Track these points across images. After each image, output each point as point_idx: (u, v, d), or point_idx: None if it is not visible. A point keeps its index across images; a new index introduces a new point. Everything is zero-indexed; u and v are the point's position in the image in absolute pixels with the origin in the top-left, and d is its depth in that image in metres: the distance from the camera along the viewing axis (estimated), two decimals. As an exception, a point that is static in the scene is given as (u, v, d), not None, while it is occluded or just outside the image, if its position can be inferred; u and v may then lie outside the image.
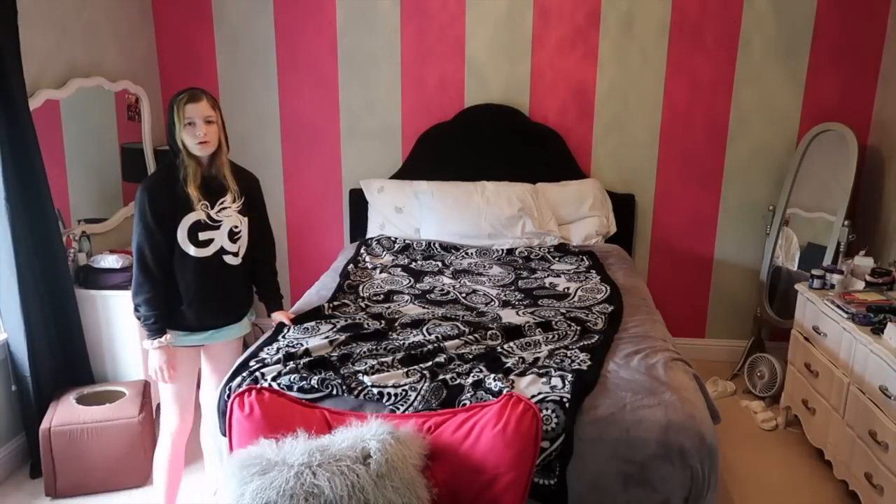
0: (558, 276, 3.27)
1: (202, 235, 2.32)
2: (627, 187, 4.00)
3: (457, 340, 2.46)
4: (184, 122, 2.22)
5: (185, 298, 2.34)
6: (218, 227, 2.34)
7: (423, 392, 2.13)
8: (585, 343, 2.47)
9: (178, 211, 2.28)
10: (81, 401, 2.92)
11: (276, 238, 4.21)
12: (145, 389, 3.04)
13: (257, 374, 2.22)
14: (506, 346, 2.45)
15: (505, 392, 2.02)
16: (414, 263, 3.47)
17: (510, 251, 3.60)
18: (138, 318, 2.34)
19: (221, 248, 2.36)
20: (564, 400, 2.04)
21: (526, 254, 3.56)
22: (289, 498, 1.63)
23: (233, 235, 2.39)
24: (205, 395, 2.60)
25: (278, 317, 2.67)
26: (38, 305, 2.90)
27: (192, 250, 2.31)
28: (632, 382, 2.20)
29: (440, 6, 3.87)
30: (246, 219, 2.44)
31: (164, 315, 2.32)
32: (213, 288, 2.38)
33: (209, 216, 2.32)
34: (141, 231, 2.26)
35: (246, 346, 2.54)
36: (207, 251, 2.34)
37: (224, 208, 2.36)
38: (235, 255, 2.42)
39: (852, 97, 3.72)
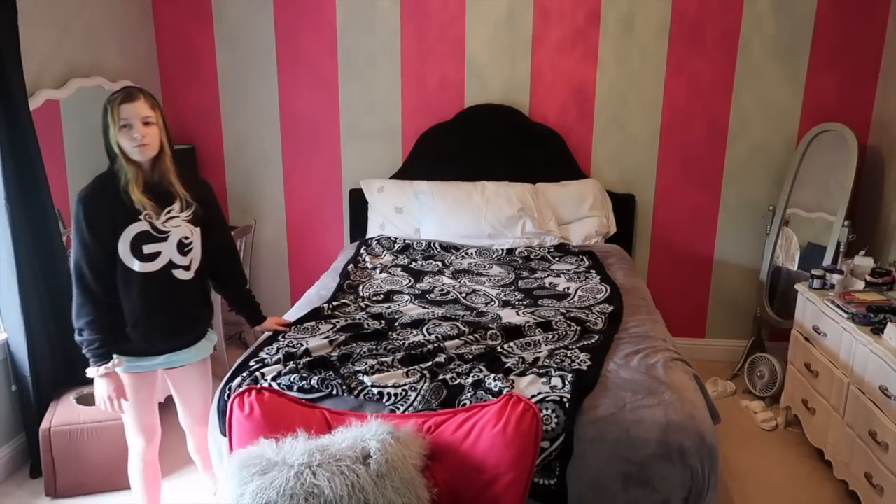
0: (558, 276, 3.27)
1: (147, 248, 2.10)
2: (627, 187, 4.00)
3: (457, 340, 2.46)
4: (119, 125, 2.02)
5: (130, 319, 2.13)
6: (165, 239, 2.12)
7: (423, 392, 2.13)
8: (585, 343, 2.48)
9: (118, 222, 2.07)
10: (81, 401, 2.92)
11: (276, 238, 4.31)
12: (145, 389, 3.03)
13: (257, 374, 2.22)
14: (506, 346, 2.45)
15: (505, 392, 2.02)
16: (414, 263, 3.47)
17: (510, 251, 3.60)
18: (81, 344, 2.11)
19: (170, 261, 2.15)
20: (564, 400, 2.04)
21: (526, 254, 3.56)
22: (289, 498, 1.63)
23: (183, 247, 2.17)
24: (183, 419, 2.43)
25: (268, 325, 2.56)
26: (38, 305, 2.90)
27: (136, 265, 2.09)
28: (632, 382, 2.20)
29: (440, 6, 3.87)
30: (198, 229, 2.22)
31: (109, 339, 2.11)
32: (162, 307, 2.16)
33: (155, 226, 2.10)
34: (77, 246, 2.05)
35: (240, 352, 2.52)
36: (154, 265, 2.12)
37: (172, 217, 2.14)
38: (187, 268, 2.20)
39: (852, 97, 3.72)
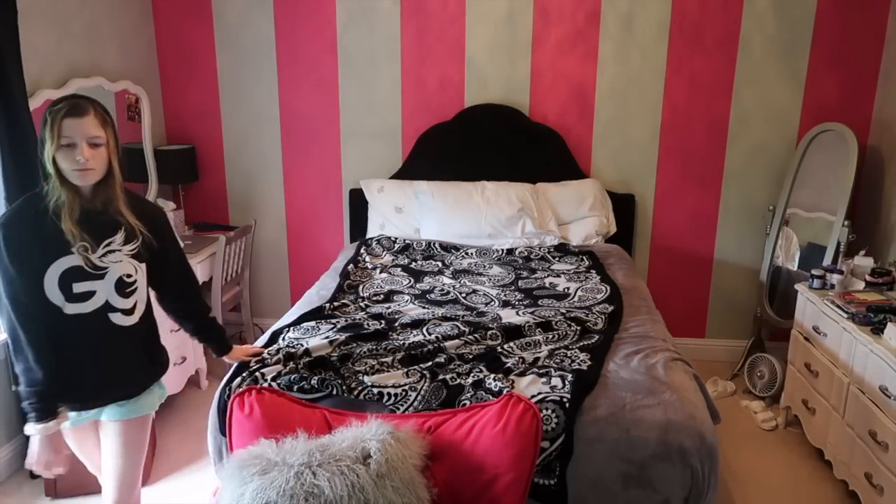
0: (558, 276, 3.26)
1: (78, 287, 1.78)
2: (627, 187, 4.00)
3: (457, 340, 2.46)
4: (59, 142, 1.71)
5: (52, 366, 1.79)
6: (102, 276, 1.80)
7: (423, 392, 2.13)
8: (585, 343, 2.48)
9: (46, 253, 1.75)
10: (81, 401, 2.92)
11: (276, 238, 4.31)
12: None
13: (257, 374, 2.22)
14: (506, 346, 2.45)
15: (505, 392, 2.02)
16: (414, 263, 3.47)
17: (510, 251, 3.60)
18: (19, 393, 1.80)
19: (107, 303, 1.82)
20: (564, 400, 2.04)
21: (526, 254, 3.56)
22: (289, 498, 1.63)
23: (124, 287, 1.84)
24: (104, 482, 2.01)
25: (236, 356, 2.27)
26: (38, 305, 2.89)
27: (66, 306, 1.78)
28: (632, 382, 2.20)
29: (440, 6, 3.87)
30: (143, 265, 1.90)
31: (53, 392, 1.78)
32: (91, 356, 1.84)
33: (89, 261, 1.78)
34: (4, 281, 1.76)
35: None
36: (85, 307, 1.80)
37: (111, 251, 1.81)
38: (128, 312, 1.87)
39: (852, 97, 3.72)
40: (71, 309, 1.79)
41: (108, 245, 1.81)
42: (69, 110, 1.73)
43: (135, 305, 1.89)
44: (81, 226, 1.76)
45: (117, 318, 1.85)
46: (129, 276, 1.85)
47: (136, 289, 1.88)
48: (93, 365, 1.85)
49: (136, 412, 1.95)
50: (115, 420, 1.93)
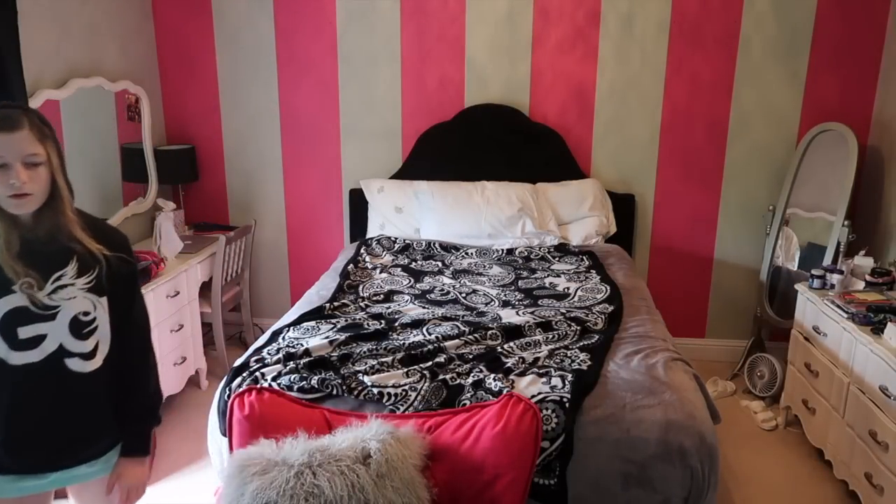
0: (558, 276, 3.27)
1: (25, 331, 1.50)
2: (627, 187, 4.00)
3: (457, 340, 2.46)
4: None
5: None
6: (52, 317, 1.52)
7: (423, 392, 2.13)
8: (585, 343, 2.48)
9: None
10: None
11: (276, 238, 4.31)
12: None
13: (257, 374, 2.22)
14: (506, 346, 2.45)
15: (505, 392, 2.02)
16: (414, 263, 3.47)
17: (510, 251, 3.60)
18: None
19: (61, 347, 1.54)
20: (564, 400, 2.04)
21: (526, 254, 3.56)
22: (289, 498, 1.63)
23: (80, 327, 1.55)
24: None
25: (123, 478, 1.71)
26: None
27: (11, 355, 1.51)
28: (632, 382, 2.20)
29: (440, 6, 3.87)
30: (104, 300, 1.59)
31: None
32: (48, 412, 1.56)
33: (36, 300, 1.50)
34: None
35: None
36: (34, 355, 1.52)
37: (63, 286, 1.53)
38: (88, 356, 1.58)
39: (852, 97, 3.72)
40: (17, 358, 1.50)
41: (57, 279, 1.52)
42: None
43: (96, 347, 1.57)
44: (24, 259, 1.48)
45: (75, 364, 1.54)
46: (85, 313, 1.55)
47: (95, 328, 1.57)
48: (49, 423, 1.56)
49: (109, 469, 1.69)
50: (91, 479, 1.67)
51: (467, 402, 2.08)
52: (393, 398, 2.12)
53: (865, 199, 3.68)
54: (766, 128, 3.84)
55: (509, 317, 2.70)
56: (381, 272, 3.32)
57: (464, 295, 3.01)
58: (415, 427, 1.89)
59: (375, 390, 2.14)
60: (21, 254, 1.49)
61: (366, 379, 2.19)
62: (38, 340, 1.52)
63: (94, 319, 1.58)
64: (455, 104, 3.98)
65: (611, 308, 2.80)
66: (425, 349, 2.38)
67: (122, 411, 1.67)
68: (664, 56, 3.82)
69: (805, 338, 3.13)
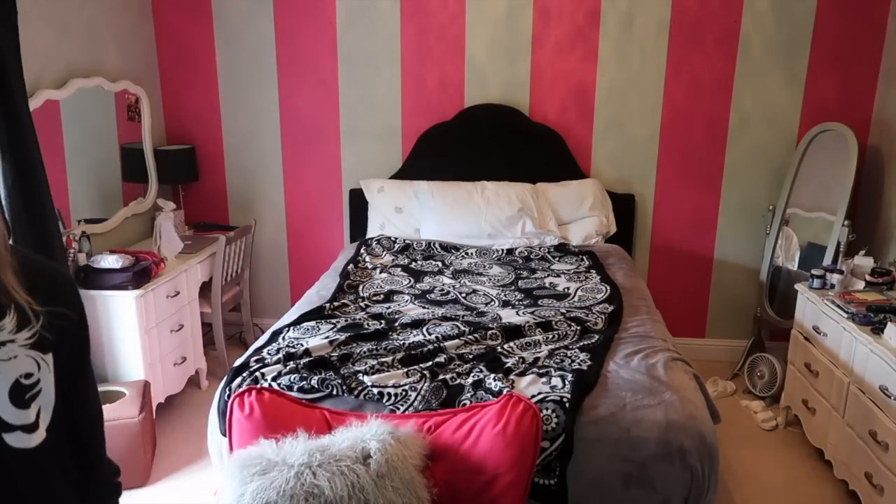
0: (558, 276, 3.27)
1: None
2: (627, 187, 4.00)
3: (457, 340, 2.46)
4: None
5: None
6: None
7: (423, 392, 2.13)
8: (585, 343, 2.48)
9: None
10: (81, 401, 2.91)
11: (276, 238, 4.31)
12: (145, 390, 3.04)
13: (257, 374, 2.22)
14: (506, 346, 2.45)
15: (505, 392, 2.02)
16: (414, 263, 3.47)
17: (510, 251, 3.60)
18: None
19: None
20: (564, 400, 2.04)
21: (526, 254, 3.56)
22: (289, 498, 1.63)
23: (22, 392, 1.23)
24: None
25: None
26: (37, 305, 2.88)
27: None
28: (632, 382, 2.20)
29: (440, 6, 3.87)
30: (49, 356, 1.26)
31: None
32: None
33: None
34: None
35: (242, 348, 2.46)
36: None
37: (0, 344, 1.21)
38: (30, 428, 1.24)
39: (852, 97, 3.72)
40: None
41: None
42: None
43: (38, 415, 1.23)
44: None
45: (16, 439, 1.21)
46: (27, 375, 1.23)
47: (38, 392, 1.24)
48: None
49: None
50: None
51: (467, 402, 2.08)
52: (393, 398, 2.12)
53: (865, 199, 3.68)
54: (766, 128, 3.84)
55: (509, 317, 2.70)
56: (381, 272, 3.32)
57: (464, 295, 3.02)
58: (415, 427, 1.89)
59: (375, 390, 2.14)
60: None
61: (366, 379, 2.19)
62: None
63: (37, 382, 1.23)
64: (455, 104, 3.98)
65: (611, 308, 2.80)
66: (425, 349, 2.38)
67: (81, 492, 1.33)
68: (664, 56, 3.82)
69: (805, 338, 3.13)
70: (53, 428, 1.25)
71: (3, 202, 2.74)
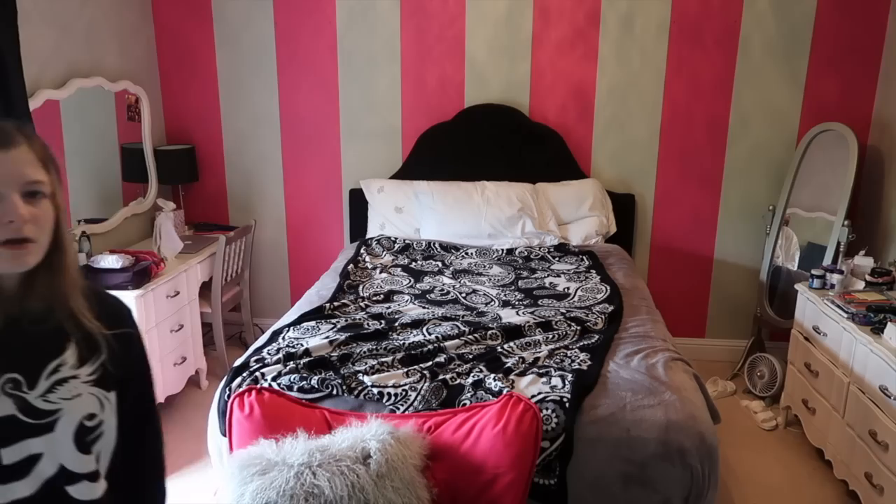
0: (558, 276, 3.27)
1: (11, 453, 1.01)
2: (627, 187, 4.00)
3: (457, 340, 2.46)
4: None
5: None
6: (50, 427, 1.04)
7: (423, 392, 2.13)
8: (585, 343, 2.48)
9: None
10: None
11: (276, 238, 4.31)
12: (145, 389, 3.04)
13: (257, 374, 2.22)
14: (506, 346, 2.45)
15: (505, 392, 2.02)
16: (414, 263, 3.47)
17: (510, 251, 3.60)
18: None
19: (61, 469, 1.04)
20: (564, 400, 2.04)
21: (526, 254, 3.56)
22: (289, 498, 1.63)
23: (84, 435, 1.07)
24: None
25: None
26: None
27: None
28: (632, 382, 2.20)
29: (440, 6, 3.87)
30: (112, 394, 1.12)
31: None
32: None
33: (26, 405, 1.02)
34: None
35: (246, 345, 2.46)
36: (25, 487, 1.02)
37: (63, 381, 1.06)
38: (93, 477, 1.09)
39: (852, 97, 3.72)
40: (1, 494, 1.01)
41: (54, 372, 1.06)
42: None
43: (99, 462, 1.11)
44: (7, 346, 1.04)
45: (81, 491, 1.06)
46: (90, 416, 1.08)
47: (100, 434, 1.10)
48: None
49: None
50: None
51: (467, 402, 2.08)
52: (393, 398, 2.11)
53: (865, 199, 3.68)
54: (766, 128, 3.84)
55: (509, 317, 2.70)
56: (381, 272, 3.32)
57: (464, 295, 3.01)
58: (415, 427, 1.89)
59: (375, 390, 2.14)
60: (3, 338, 1.03)
61: (366, 379, 2.19)
62: (30, 464, 1.01)
63: (99, 423, 1.09)
64: (455, 104, 3.98)
65: (611, 308, 2.80)
66: (425, 349, 2.38)
67: None
68: (664, 56, 3.82)
69: (805, 338, 3.13)
70: (112, 474, 1.13)
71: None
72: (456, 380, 2.21)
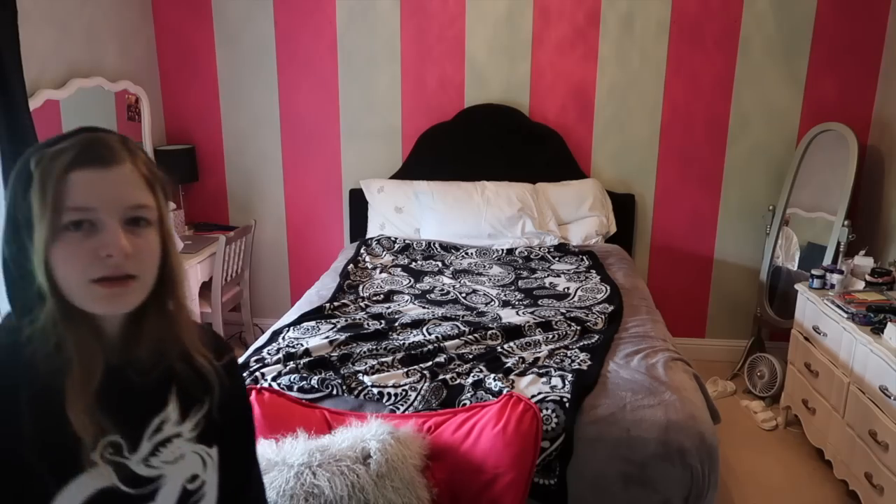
0: (558, 276, 3.26)
1: None
2: (627, 187, 4.00)
3: (457, 340, 2.46)
4: (60, 220, 0.84)
5: None
6: (151, 497, 0.92)
7: (423, 392, 2.13)
8: (585, 343, 2.47)
9: (36, 479, 0.83)
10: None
11: (276, 238, 4.32)
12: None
13: (257, 374, 2.22)
14: (506, 346, 2.44)
15: (505, 392, 2.02)
16: (414, 263, 3.47)
17: (510, 251, 3.60)
18: None
19: None
20: (564, 400, 2.04)
21: (526, 254, 3.56)
22: (289, 498, 1.63)
23: (186, 499, 0.97)
24: None
25: None
26: (38, 305, 2.88)
27: None
28: (632, 382, 2.20)
29: (440, 6, 3.87)
30: (214, 449, 1.01)
31: None
32: None
33: (128, 472, 0.89)
34: None
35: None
36: None
37: (164, 441, 0.93)
38: None
39: (852, 97, 3.72)
40: None
41: (157, 431, 0.92)
42: (83, 153, 0.85)
43: None
44: (107, 403, 0.87)
45: None
46: (193, 478, 0.96)
47: (202, 496, 0.98)
48: None
49: None
50: None
51: (467, 402, 2.07)
52: (393, 398, 2.11)
53: (865, 199, 3.68)
54: (766, 128, 3.84)
55: (509, 317, 2.70)
56: (381, 272, 3.32)
57: (464, 295, 3.01)
58: (415, 427, 1.89)
59: (375, 390, 2.14)
60: (104, 394, 0.85)
61: (366, 379, 2.19)
62: None
63: (201, 485, 0.97)
64: (455, 104, 3.98)
65: (611, 308, 2.80)
66: (425, 349, 2.38)
67: None
68: (664, 56, 3.82)
69: (805, 338, 3.13)
70: None
71: (4, 203, 2.74)
72: (456, 380, 2.21)
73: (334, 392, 2.14)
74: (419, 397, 2.11)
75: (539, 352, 2.40)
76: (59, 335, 0.85)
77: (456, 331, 2.53)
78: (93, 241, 0.84)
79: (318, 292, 3.06)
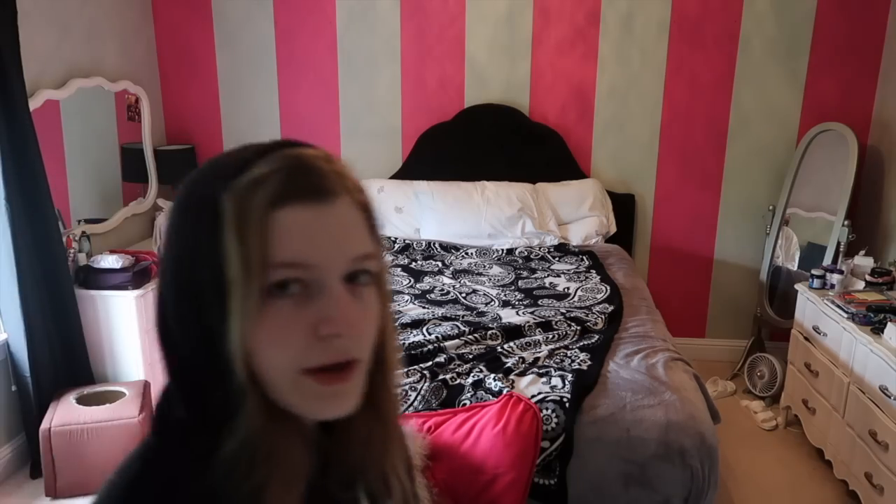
0: (558, 276, 3.27)
1: None
2: (627, 187, 4.00)
3: (457, 340, 2.46)
4: (265, 279, 0.57)
5: None
6: None
7: (423, 392, 2.13)
8: (585, 343, 2.48)
9: None
10: (81, 401, 2.92)
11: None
12: (145, 390, 3.04)
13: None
14: (506, 346, 2.45)
15: (505, 392, 2.02)
16: (414, 263, 3.47)
17: (510, 251, 3.60)
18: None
19: None
20: (564, 400, 2.04)
21: (526, 254, 3.56)
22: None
23: None
24: None
25: None
26: (38, 306, 2.89)
27: None
28: (632, 382, 2.20)
29: (440, 6, 3.87)
30: None
31: None
32: None
33: None
34: None
35: None
36: None
37: None
38: None
39: (852, 97, 3.72)
40: None
41: None
42: (293, 183, 0.63)
43: None
44: None
45: None
46: None
47: None
48: None
49: None
50: None
51: (467, 402, 2.08)
52: (393, 398, 2.11)
53: (865, 199, 3.68)
54: (766, 128, 3.84)
55: (509, 317, 2.70)
56: (381, 272, 3.31)
57: (464, 295, 3.01)
58: (415, 427, 1.89)
59: (375, 390, 2.14)
60: None
61: (366, 379, 2.19)
62: None
63: None
64: (455, 104, 3.98)
65: (611, 308, 2.80)
66: (425, 349, 2.38)
67: None
68: (664, 56, 3.81)
69: (805, 338, 3.13)
70: None
71: (4, 202, 2.74)
72: (456, 380, 2.21)
73: (334, 392, 2.14)
74: (419, 397, 2.11)
75: (539, 352, 2.40)
76: (268, 448, 0.58)
77: (456, 331, 2.53)
78: (310, 313, 0.58)
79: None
